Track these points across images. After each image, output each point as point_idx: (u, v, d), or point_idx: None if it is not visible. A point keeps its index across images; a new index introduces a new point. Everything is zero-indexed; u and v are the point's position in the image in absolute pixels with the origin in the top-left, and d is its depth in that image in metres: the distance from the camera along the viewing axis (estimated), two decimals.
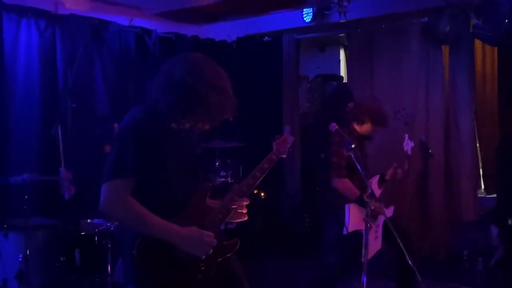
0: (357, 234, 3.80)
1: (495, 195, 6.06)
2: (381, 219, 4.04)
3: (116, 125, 4.64)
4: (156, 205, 2.31)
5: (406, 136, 4.19)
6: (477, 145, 6.45)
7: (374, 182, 4.11)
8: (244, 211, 2.59)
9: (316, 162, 4.39)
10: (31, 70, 5.17)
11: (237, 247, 2.54)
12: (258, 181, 2.59)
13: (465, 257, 5.30)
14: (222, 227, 2.56)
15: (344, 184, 3.94)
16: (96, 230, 4.33)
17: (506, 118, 7.02)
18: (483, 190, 6.96)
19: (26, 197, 4.16)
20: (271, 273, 5.42)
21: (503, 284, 4.96)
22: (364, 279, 3.35)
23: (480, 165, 6.84)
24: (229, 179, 4.90)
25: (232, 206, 2.52)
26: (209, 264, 2.41)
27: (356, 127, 4.15)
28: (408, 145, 4.15)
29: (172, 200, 2.38)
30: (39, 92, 5.20)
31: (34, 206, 4.36)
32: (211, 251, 2.35)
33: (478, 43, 6.20)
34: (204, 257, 2.35)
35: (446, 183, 5.89)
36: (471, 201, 5.78)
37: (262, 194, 5.94)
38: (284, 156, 2.72)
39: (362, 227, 3.61)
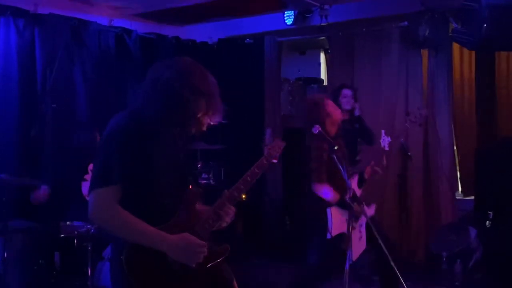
0: (340, 236, 3.81)
1: (472, 197, 6.15)
2: (363, 219, 4.07)
3: (98, 135, 4.62)
4: (145, 211, 2.28)
5: (383, 132, 4.19)
6: (455, 147, 6.54)
7: (354, 182, 4.13)
8: (229, 218, 2.54)
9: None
10: (10, 70, 5.07)
11: (228, 253, 2.50)
12: (249, 186, 2.56)
13: (444, 259, 5.36)
14: None
15: (324, 189, 3.95)
16: (76, 232, 4.27)
17: (484, 120, 7.15)
18: (460, 192, 7.06)
19: (3, 199, 4.09)
20: (252, 276, 5.40)
21: (481, 285, 5.03)
22: (347, 285, 3.35)
23: (458, 167, 6.94)
24: (211, 181, 4.89)
25: (222, 212, 2.49)
26: (198, 269, 2.37)
27: (327, 128, 4.04)
28: (385, 141, 4.14)
29: (161, 206, 2.34)
30: (17, 93, 5.10)
31: (12, 208, 4.28)
32: (202, 259, 2.31)
33: (456, 46, 6.29)
34: (193, 266, 2.31)
35: (425, 185, 5.96)
36: (449, 203, 5.86)
37: (243, 196, 5.92)
38: (275, 161, 2.69)
39: (345, 229, 3.62)
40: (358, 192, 4.16)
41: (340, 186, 3.93)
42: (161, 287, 2.31)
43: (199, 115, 2.32)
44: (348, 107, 5.15)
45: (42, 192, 4.42)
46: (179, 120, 2.32)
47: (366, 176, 4.20)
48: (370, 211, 4.15)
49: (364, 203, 4.04)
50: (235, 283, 2.61)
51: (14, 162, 4.97)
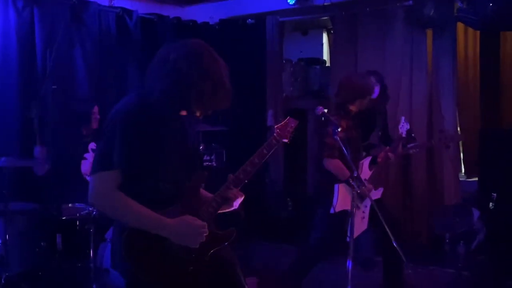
0: (344, 213, 3.82)
1: (475, 179, 6.13)
2: (369, 200, 4.06)
3: (96, 107, 4.59)
4: (147, 196, 2.25)
5: (403, 118, 4.24)
6: (458, 129, 6.50)
7: (365, 163, 4.14)
8: (237, 203, 2.49)
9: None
10: (9, 50, 5.03)
11: (233, 237, 2.44)
12: (256, 168, 2.48)
13: (447, 240, 5.35)
14: None
15: (335, 165, 3.96)
16: (78, 214, 4.27)
17: (488, 101, 7.11)
18: (464, 174, 7.04)
19: (5, 181, 4.08)
20: (254, 258, 5.42)
21: (484, 267, 5.02)
22: (350, 262, 3.35)
23: (461, 149, 6.91)
24: (213, 163, 4.86)
25: (228, 196, 2.44)
26: (201, 255, 2.34)
27: (351, 107, 4.15)
28: (403, 127, 4.18)
29: (164, 190, 2.31)
30: (17, 73, 5.06)
31: (13, 190, 4.28)
32: (203, 239, 2.28)
33: (460, 27, 6.21)
34: (197, 247, 2.28)
35: (428, 166, 5.93)
36: (452, 184, 5.83)
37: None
38: (285, 140, 2.60)
39: (349, 207, 3.63)
40: (368, 174, 4.16)
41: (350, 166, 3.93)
42: (162, 272, 2.27)
43: (205, 98, 2.26)
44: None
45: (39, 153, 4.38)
46: (184, 102, 2.27)
47: (379, 160, 4.20)
48: (377, 194, 4.15)
49: (371, 185, 4.06)
50: (238, 268, 2.56)
51: (14, 144, 4.95)
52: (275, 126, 2.63)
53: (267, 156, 2.52)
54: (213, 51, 2.33)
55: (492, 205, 5.20)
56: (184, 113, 2.36)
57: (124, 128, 2.21)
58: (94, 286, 4.12)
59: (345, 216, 3.71)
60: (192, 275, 2.32)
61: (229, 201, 2.46)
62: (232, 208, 2.51)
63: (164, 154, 2.29)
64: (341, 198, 3.86)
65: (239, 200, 2.49)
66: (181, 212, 2.30)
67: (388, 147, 4.26)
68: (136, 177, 2.25)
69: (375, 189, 4.11)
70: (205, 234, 2.28)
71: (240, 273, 2.56)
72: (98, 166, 2.23)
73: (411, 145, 4.29)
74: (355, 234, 3.94)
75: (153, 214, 2.23)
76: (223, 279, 2.49)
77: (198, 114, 2.36)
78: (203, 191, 2.51)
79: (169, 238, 2.24)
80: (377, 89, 4.94)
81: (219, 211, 2.47)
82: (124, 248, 2.22)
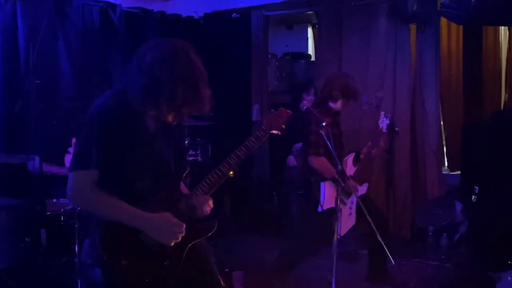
0: (331, 211, 3.85)
1: (458, 172, 6.21)
2: (355, 196, 4.10)
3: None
4: (124, 192, 2.28)
5: (382, 113, 4.24)
6: (441, 123, 6.57)
7: (349, 160, 4.15)
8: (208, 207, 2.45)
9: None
10: None
11: (214, 230, 2.46)
12: (242, 160, 2.47)
13: (430, 233, 5.42)
14: None
15: (321, 163, 3.96)
16: (63, 210, 4.24)
17: (471, 95, 7.19)
18: (447, 167, 7.12)
19: None
20: (240, 252, 5.43)
21: (467, 259, 5.10)
22: (334, 256, 3.39)
23: (445, 142, 6.99)
24: (198, 158, 4.86)
25: (195, 203, 2.42)
26: (178, 249, 2.34)
27: (332, 104, 4.17)
28: (383, 122, 4.19)
29: (141, 187, 2.33)
30: (0, 67, 5.01)
31: None
32: (179, 239, 2.29)
33: (444, 21, 6.27)
34: (172, 244, 2.29)
35: (412, 160, 5.99)
36: (435, 178, 5.90)
37: (231, 172, 5.92)
38: (276, 132, 2.57)
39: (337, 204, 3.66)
40: (353, 170, 4.19)
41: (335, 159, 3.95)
42: (138, 266, 2.28)
43: (175, 104, 2.23)
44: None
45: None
46: (155, 105, 2.25)
47: (361, 156, 4.22)
48: (363, 189, 4.18)
49: (355, 182, 4.09)
50: (213, 260, 2.59)
51: None
52: (265, 117, 2.59)
53: (254, 148, 2.49)
54: (193, 55, 2.27)
55: (474, 198, 5.28)
56: (154, 115, 2.33)
57: (101, 128, 2.23)
58: (79, 281, 4.11)
59: (333, 213, 3.73)
60: (167, 270, 2.33)
61: (197, 208, 2.42)
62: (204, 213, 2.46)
63: (140, 153, 2.31)
64: (328, 196, 3.87)
65: (208, 205, 2.45)
66: (159, 205, 2.32)
67: (369, 143, 4.27)
68: (114, 175, 2.27)
69: (360, 185, 4.13)
70: (181, 234, 2.28)
71: (214, 264, 2.58)
72: (76, 164, 2.26)
73: (386, 122, 4.24)
74: (344, 231, 3.99)
75: (130, 207, 2.25)
76: (197, 270, 2.50)
77: (170, 119, 2.32)
78: (184, 187, 2.52)
79: (145, 230, 2.26)
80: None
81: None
82: (100, 241, 2.25)
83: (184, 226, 2.30)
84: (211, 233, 2.46)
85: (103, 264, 2.29)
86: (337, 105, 4.17)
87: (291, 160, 5.53)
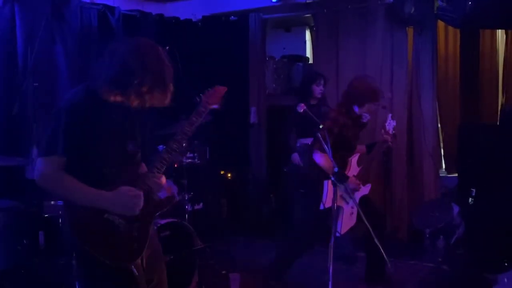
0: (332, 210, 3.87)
1: (455, 175, 6.21)
2: (357, 196, 4.12)
3: None
4: (88, 177, 2.42)
5: (389, 115, 4.29)
6: (438, 125, 6.58)
7: (354, 160, 4.18)
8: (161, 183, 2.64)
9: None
10: None
11: (173, 202, 2.69)
12: (188, 136, 2.66)
13: (427, 235, 5.43)
14: None
15: (325, 159, 3.96)
16: (60, 212, 4.24)
17: (468, 98, 7.21)
18: (444, 170, 7.13)
19: None
20: (237, 253, 5.44)
21: (463, 261, 5.11)
22: (331, 257, 3.40)
23: (441, 145, 7.00)
24: (196, 160, 4.87)
25: (150, 183, 2.58)
26: (143, 227, 2.52)
27: (357, 109, 4.17)
28: (390, 125, 4.24)
29: (107, 174, 2.49)
30: None
31: None
32: (141, 204, 2.46)
33: (440, 24, 6.29)
34: (135, 214, 2.46)
35: (408, 162, 6.01)
36: (432, 180, 5.92)
37: (229, 174, 5.94)
38: (215, 106, 2.79)
39: (339, 203, 3.72)
40: (357, 170, 4.21)
41: (341, 162, 3.96)
42: (104, 245, 2.43)
43: (143, 90, 2.41)
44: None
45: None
46: (123, 89, 2.41)
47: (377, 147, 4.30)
48: (365, 190, 4.20)
49: (359, 181, 4.11)
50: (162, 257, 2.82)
51: None
52: (203, 94, 2.78)
53: (197, 123, 2.69)
54: (161, 53, 2.49)
55: (471, 201, 5.29)
56: (121, 100, 2.48)
57: (68, 117, 2.40)
58: (77, 283, 4.11)
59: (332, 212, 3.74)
60: (135, 247, 2.50)
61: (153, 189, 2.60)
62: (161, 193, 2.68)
63: (106, 141, 2.48)
64: (330, 194, 3.88)
65: (160, 183, 2.61)
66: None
67: (376, 143, 4.35)
68: (81, 161, 2.43)
69: (363, 185, 4.15)
70: (140, 201, 2.46)
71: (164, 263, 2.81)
72: (43, 150, 2.45)
73: (393, 124, 4.31)
74: (344, 230, 4.02)
75: (91, 189, 2.41)
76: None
77: (134, 103, 2.47)
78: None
79: (107, 208, 2.43)
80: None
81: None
82: (70, 223, 2.44)
83: (142, 193, 2.47)
84: (170, 205, 2.69)
85: (74, 244, 2.46)
86: (362, 110, 4.17)
87: (296, 157, 5.53)
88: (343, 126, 4.06)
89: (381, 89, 4.34)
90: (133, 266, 2.49)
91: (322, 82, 5.47)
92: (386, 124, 4.27)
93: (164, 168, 2.62)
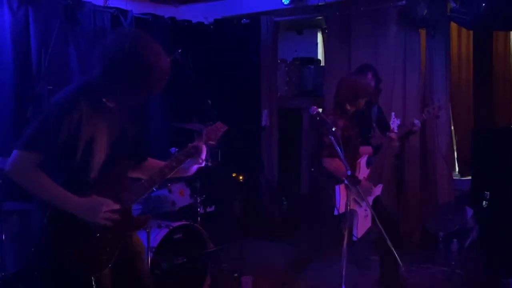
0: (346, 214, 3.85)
1: (469, 178, 6.17)
2: (370, 198, 4.10)
3: None
4: (72, 179, 2.39)
5: (393, 114, 4.27)
6: (452, 128, 6.54)
7: (362, 162, 4.16)
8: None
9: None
10: (4, 50, 5.02)
11: (146, 223, 2.68)
12: (180, 165, 2.63)
13: (441, 239, 5.39)
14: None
15: (335, 164, 3.94)
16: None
17: (481, 101, 7.15)
18: (457, 173, 7.08)
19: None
20: (250, 256, 5.42)
21: (477, 265, 5.07)
22: (344, 261, 3.38)
23: (455, 148, 6.95)
24: (208, 163, 4.88)
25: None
26: (116, 237, 2.47)
27: (349, 107, 4.17)
28: (394, 123, 4.22)
29: (90, 176, 2.42)
30: (12, 74, 5.06)
31: (8, 191, 4.27)
32: (108, 217, 2.40)
33: (453, 26, 6.25)
34: (104, 222, 2.40)
35: (422, 165, 5.97)
36: (446, 183, 5.88)
37: (241, 177, 5.93)
38: (212, 143, 2.75)
39: (353, 207, 3.71)
40: (366, 172, 4.19)
41: (349, 165, 3.94)
42: (77, 247, 2.39)
43: (136, 87, 2.38)
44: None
45: None
46: (117, 87, 2.39)
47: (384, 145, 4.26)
48: (377, 190, 4.18)
49: (370, 183, 4.10)
50: (143, 256, 2.77)
51: (9, 145, 4.93)
52: (205, 128, 2.76)
53: (184, 163, 2.65)
54: (156, 46, 2.40)
55: (485, 204, 5.25)
56: (120, 103, 2.47)
57: (58, 120, 2.32)
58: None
59: (346, 217, 3.72)
60: (107, 254, 2.45)
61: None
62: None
63: (91, 143, 2.39)
64: (343, 199, 3.86)
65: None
66: (100, 194, 2.43)
67: (387, 134, 4.30)
68: (57, 163, 2.38)
69: (374, 186, 4.13)
70: (108, 212, 2.40)
71: (145, 261, 2.81)
72: (24, 144, 2.33)
73: (397, 123, 4.30)
74: (360, 233, 4.00)
75: (63, 191, 2.35)
76: (130, 265, 2.64)
77: (111, 104, 2.46)
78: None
79: (74, 213, 2.35)
80: (373, 85, 4.96)
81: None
82: (48, 221, 2.36)
83: (110, 203, 2.42)
84: (144, 226, 2.69)
85: (47, 241, 2.39)
86: (354, 106, 4.16)
87: None
88: (344, 129, 4.03)
89: (369, 82, 4.37)
90: (93, 278, 2.42)
91: (369, 74, 4.99)
92: (390, 122, 4.26)
93: (139, 199, 2.62)
